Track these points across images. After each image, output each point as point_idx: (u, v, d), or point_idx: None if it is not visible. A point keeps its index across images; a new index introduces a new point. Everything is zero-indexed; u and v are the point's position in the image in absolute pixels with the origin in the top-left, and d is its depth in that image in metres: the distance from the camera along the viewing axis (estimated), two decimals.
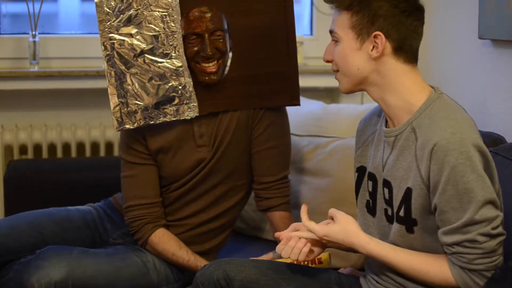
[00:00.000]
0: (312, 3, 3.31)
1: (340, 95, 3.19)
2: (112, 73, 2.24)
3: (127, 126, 2.27)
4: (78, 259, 2.18)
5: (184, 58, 2.25)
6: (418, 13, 1.79)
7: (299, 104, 2.38)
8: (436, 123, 1.71)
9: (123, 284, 2.23)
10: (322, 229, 1.82)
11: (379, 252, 1.77)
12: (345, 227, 1.80)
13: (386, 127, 1.85)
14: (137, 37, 2.23)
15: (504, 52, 2.45)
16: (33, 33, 3.00)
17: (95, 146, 3.18)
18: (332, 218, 1.85)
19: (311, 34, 3.33)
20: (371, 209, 1.90)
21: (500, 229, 1.67)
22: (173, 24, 2.23)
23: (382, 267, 1.86)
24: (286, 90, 2.35)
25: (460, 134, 1.67)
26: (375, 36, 1.76)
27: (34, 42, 3.00)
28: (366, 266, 1.98)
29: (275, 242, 2.51)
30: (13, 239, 2.32)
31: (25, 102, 3.13)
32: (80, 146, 3.16)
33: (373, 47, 1.77)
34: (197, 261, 2.29)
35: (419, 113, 1.76)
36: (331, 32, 1.85)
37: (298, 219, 2.55)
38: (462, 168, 1.65)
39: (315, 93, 3.03)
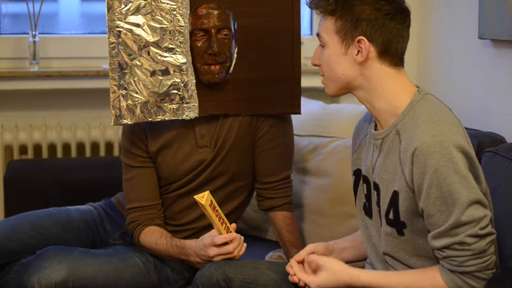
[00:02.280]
0: None
1: None
2: (116, 62, 2.22)
3: (125, 121, 2.23)
4: (78, 260, 2.18)
5: (190, 54, 2.24)
6: (402, 16, 1.77)
7: (299, 113, 2.36)
8: (418, 126, 1.70)
9: (124, 284, 2.23)
10: (313, 281, 1.82)
11: (371, 281, 1.78)
12: (332, 268, 1.81)
13: (375, 130, 1.86)
14: (144, 27, 2.21)
15: (504, 52, 2.45)
16: (33, 33, 2.99)
17: (95, 146, 3.17)
18: (315, 266, 1.85)
19: (311, 34, 3.32)
20: (368, 211, 1.90)
21: (489, 229, 1.66)
22: (181, 19, 2.22)
23: (381, 268, 1.86)
24: (288, 97, 2.34)
25: (441, 137, 1.66)
26: (358, 41, 1.75)
27: (34, 42, 3.00)
28: (366, 266, 1.98)
29: (275, 242, 2.53)
30: (14, 241, 2.32)
31: (25, 102, 3.13)
32: (80, 146, 3.16)
33: (358, 51, 1.76)
34: (173, 243, 2.22)
35: (403, 115, 1.75)
36: (318, 35, 1.84)
37: (299, 219, 2.56)
38: (445, 170, 1.64)
39: (315, 93, 3.02)
